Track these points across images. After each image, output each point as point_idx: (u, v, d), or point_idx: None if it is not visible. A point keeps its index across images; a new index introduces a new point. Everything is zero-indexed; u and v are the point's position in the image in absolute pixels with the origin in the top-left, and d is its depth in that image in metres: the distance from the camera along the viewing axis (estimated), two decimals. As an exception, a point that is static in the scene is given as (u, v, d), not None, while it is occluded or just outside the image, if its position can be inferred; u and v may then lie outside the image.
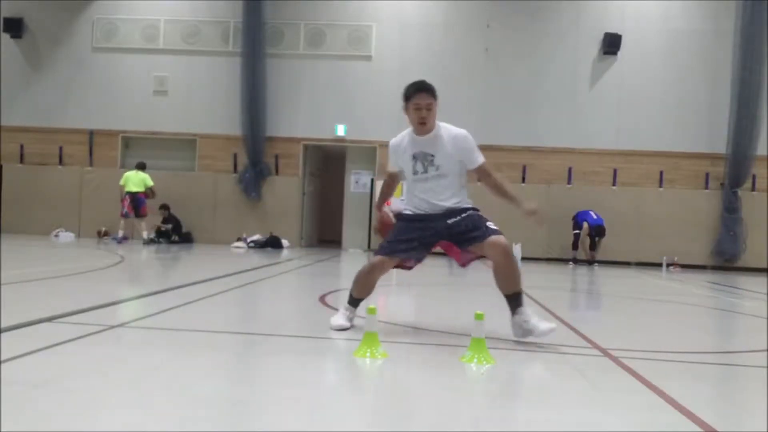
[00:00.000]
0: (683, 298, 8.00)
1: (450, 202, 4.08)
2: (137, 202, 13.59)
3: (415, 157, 4.09)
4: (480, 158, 4.13)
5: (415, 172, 4.11)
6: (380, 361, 3.26)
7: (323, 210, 17.28)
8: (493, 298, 6.82)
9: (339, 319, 4.11)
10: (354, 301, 4.17)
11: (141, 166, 13.90)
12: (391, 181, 4.44)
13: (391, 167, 4.35)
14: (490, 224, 3.99)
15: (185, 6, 15.59)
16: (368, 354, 3.29)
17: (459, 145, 4.09)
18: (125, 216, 13.61)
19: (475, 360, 3.27)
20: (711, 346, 4.76)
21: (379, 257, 4.06)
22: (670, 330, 5.25)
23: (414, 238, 4.08)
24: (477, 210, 4.14)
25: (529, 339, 3.85)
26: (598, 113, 14.89)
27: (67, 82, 15.58)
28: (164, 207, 14.47)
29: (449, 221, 4.04)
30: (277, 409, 2.41)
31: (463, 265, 4.28)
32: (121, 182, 13.68)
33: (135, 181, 13.62)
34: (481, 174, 4.13)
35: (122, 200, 13.60)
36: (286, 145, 15.30)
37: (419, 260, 4.24)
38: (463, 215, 4.05)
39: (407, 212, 4.21)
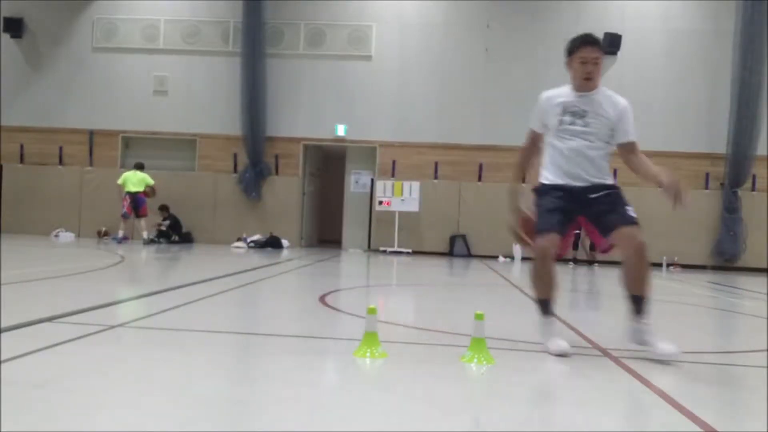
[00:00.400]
0: (683, 298, 8.00)
1: (593, 170, 3.68)
2: (137, 202, 13.61)
3: (565, 109, 3.72)
4: (634, 135, 3.80)
5: (560, 122, 3.71)
6: (380, 361, 3.26)
7: (323, 210, 17.29)
8: (493, 298, 6.83)
9: (554, 343, 3.55)
10: (544, 307, 3.73)
11: (139, 166, 13.92)
12: (532, 146, 3.95)
13: (535, 126, 3.88)
14: (629, 210, 3.58)
15: (185, 6, 15.60)
16: (368, 354, 3.28)
17: (619, 112, 3.75)
18: (125, 216, 13.61)
19: (475, 360, 3.26)
20: (711, 346, 4.76)
21: (538, 243, 3.62)
22: (670, 330, 5.24)
23: (556, 209, 3.71)
24: (618, 189, 3.72)
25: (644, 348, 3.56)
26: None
27: (67, 82, 15.59)
28: (164, 207, 14.48)
29: (591, 195, 3.66)
30: (277, 409, 2.41)
31: (603, 251, 3.84)
32: (120, 182, 13.69)
33: (134, 181, 13.63)
34: (630, 150, 3.75)
35: (122, 200, 13.60)
36: (286, 145, 15.30)
37: (563, 235, 3.71)
38: (605, 191, 3.65)
39: (544, 182, 3.82)
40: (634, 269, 3.47)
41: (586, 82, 3.72)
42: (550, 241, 3.58)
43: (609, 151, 3.77)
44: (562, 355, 3.48)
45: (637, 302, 3.49)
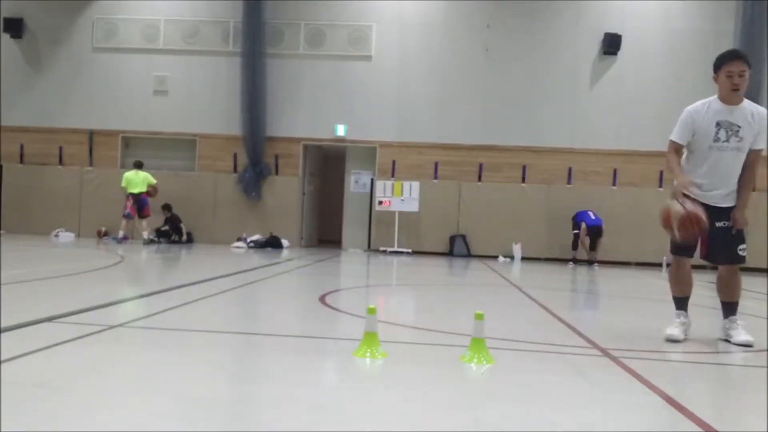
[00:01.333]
0: (683, 298, 7.99)
1: (732, 183, 4.06)
2: (140, 203, 13.57)
3: (719, 125, 4.05)
4: (763, 146, 3.97)
5: (716, 140, 4.01)
6: (380, 361, 3.26)
7: (323, 210, 17.29)
8: (493, 298, 6.83)
9: (673, 329, 4.25)
10: (679, 303, 4.36)
11: (139, 165, 13.87)
12: (677, 156, 4.28)
13: (680, 139, 4.21)
14: (742, 249, 4.18)
15: (185, 6, 15.60)
16: (368, 354, 3.29)
17: (759, 122, 4.01)
18: (127, 217, 13.56)
19: (475, 360, 3.27)
20: (711, 346, 4.76)
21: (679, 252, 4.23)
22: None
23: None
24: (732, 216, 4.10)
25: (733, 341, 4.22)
26: (598, 113, 14.89)
27: (67, 82, 15.59)
28: (166, 207, 14.49)
29: (717, 224, 4.11)
30: (277, 409, 2.41)
31: (703, 257, 4.44)
32: (123, 184, 13.63)
33: (136, 181, 13.58)
34: (755, 160, 4.02)
35: (126, 201, 13.54)
36: (286, 145, 15.30)
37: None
38: (728, 223, 4.14)
39: (690, 195, 4.11)
40: (730, 282, 4.28)
41: (733, 93, 4.13)
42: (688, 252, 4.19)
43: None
44: (671, 340, 4.18)
45: (728, 307, 4.30)
